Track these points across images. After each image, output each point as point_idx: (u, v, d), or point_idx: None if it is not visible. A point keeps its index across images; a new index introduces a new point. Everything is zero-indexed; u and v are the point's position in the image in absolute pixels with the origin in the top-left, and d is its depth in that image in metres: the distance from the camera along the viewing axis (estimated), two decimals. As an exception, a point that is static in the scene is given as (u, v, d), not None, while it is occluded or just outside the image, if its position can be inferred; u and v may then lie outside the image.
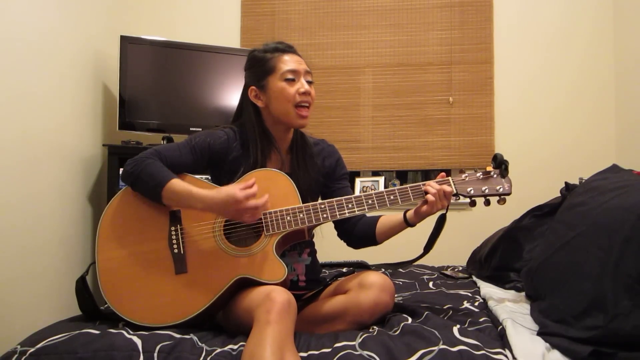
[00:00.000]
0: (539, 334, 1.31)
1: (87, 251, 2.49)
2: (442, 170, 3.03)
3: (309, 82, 1.53)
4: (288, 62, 1.51)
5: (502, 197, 1.44)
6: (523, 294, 1.72)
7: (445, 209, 1.45)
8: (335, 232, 1.66)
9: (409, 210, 1.48)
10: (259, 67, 1.54)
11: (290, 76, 1.50)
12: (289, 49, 1.55)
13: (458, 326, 1.33)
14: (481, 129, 3.01)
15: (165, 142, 2.63)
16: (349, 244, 1.66)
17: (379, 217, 1.59)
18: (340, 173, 1.67)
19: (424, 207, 1.42)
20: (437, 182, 1.43)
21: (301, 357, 1.16)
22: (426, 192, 1.41)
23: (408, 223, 1.49)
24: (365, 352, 1.16)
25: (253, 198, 1.32)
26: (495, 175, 1.45)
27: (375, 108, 3.09)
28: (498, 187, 1.44)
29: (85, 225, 2.50)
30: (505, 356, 1.17)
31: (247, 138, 1.53)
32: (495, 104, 3.02)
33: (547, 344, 1.24)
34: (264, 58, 1.53)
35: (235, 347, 1.19)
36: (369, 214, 1.63)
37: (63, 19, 2.34)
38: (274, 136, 1.55)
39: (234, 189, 1.32)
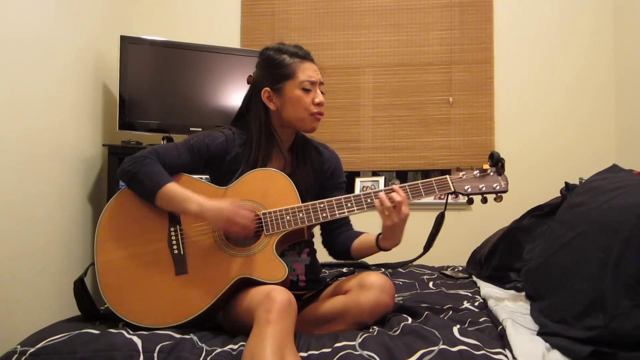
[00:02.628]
0: (539, 334, 1.31)
1: (86, 251, 2.49)
2: (442, 170, 3.07)
3: (322, 92, 1.54)
4: (307, 71, 1.51)
5: (498, 194, 1.46)
6: (523, 294, 1.71)
7: (444, 207, 1.46)
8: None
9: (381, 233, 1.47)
10: (275, 69, 1.52)
11: (308, 86, 1.50)
12: (307, 57, 1.54)
13: (458, 326, 1.33)
14: (481, 129, 3.01)
15: (165, 142, 2.63)
16: (329, 254, 1.67)
17: (359, 233, 1.59)
18: (337, 181, 1.65)
19: (383, 222, 1.40)
20: (385, 190, 1.42)
21: (301, 357, 1.16)
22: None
23: (379, 246, 1.48)
24: (365, 352, 1.16)
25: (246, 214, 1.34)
26: (492, 173, 1.46)
27: (375, 108, 3.09)
28: (495, 185, 1.45)
29: (85, 225, 2.50)
30: (505, 356, 1.17)
31: (249, 138, 1.53)
32: (495, 104, 3.02)
33: (547, 344, 1.24)
34: (283, 62, 1.51)
35: (235, 347, 1.19)
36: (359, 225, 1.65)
37: (63, 19, 2.34)
38: (279, 137, 1.55)
39: (228, 202, 1.34)
